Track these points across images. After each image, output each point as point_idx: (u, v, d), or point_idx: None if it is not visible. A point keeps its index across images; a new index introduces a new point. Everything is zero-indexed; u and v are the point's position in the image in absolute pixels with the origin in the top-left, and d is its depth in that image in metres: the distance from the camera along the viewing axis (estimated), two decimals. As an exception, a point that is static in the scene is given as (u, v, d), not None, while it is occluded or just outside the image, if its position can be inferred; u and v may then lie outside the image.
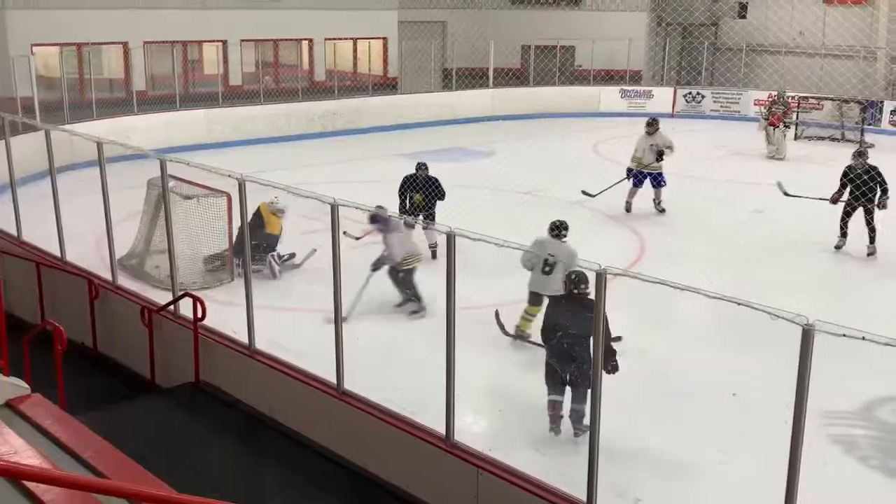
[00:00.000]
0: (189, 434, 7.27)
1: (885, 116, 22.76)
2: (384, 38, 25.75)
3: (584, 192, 14.33)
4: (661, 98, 25.65)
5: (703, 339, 8.89)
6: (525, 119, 24.10)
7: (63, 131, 10.86)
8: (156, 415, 7.59)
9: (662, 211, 14.08)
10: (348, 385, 6.93)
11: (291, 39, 24.24)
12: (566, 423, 6.94)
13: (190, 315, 8.11)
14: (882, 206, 11.65)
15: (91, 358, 9.18)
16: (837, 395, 7.39)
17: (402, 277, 9.59)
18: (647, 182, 14.01)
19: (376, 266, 9.58)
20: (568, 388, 6.88)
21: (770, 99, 20.55)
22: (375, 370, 7.75)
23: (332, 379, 6.97)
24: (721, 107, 25.32)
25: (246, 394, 7.75)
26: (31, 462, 4.75)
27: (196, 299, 7.92)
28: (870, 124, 21.63)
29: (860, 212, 11.80)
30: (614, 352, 6.79)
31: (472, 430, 7.02)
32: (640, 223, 13.33)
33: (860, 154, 11.98)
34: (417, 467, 6.42)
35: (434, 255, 11.11)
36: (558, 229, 8.63)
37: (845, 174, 11.89)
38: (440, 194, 11.52)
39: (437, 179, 11.64)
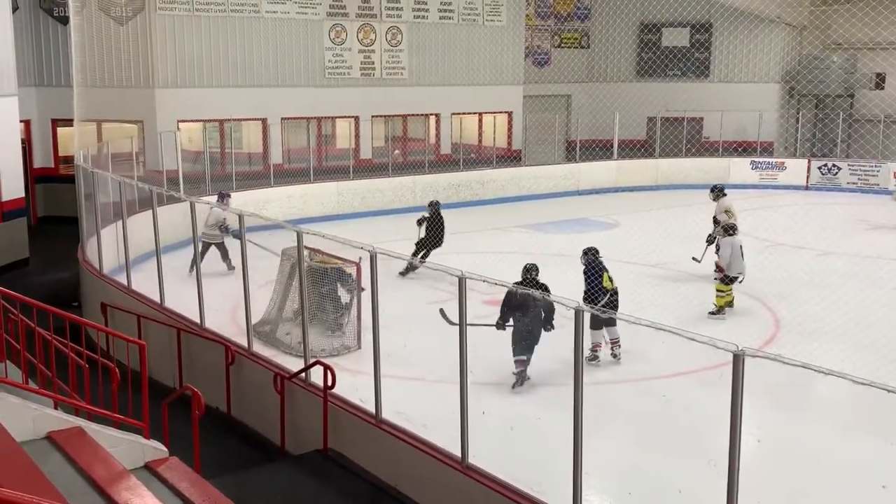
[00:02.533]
0: (316, 501, 7.35)
1: None
2: (509, 112, 26.11)
3: (693, 259, 14.66)
4: (794, 170, 24.90)
5: (847, 425, 8.41)
6: (650, 190, 23.83)
7: (206, 204, 11.44)
8: (285, 481, 7.71)
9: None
10: (472, 458, 6.88)
11: (419, 114, 24.91)
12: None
13: (318, 381, 8.28)
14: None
15: (225, 421, 9.46)
16: None
17: None
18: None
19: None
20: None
21: (911, 171, 19.62)
22: (501, 443, 7.67)
23: (457, 451, 6.94)
24: (859, 179, 24.35)
25: (372, 463, 7.79)
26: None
27: (327, 367, 8.08)
28: None
29: None
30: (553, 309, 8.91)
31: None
32: (775, 299, 12.85)
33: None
34: (542, 547, 6.27)
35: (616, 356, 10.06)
36: (732, 229, 12.30)
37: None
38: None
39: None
